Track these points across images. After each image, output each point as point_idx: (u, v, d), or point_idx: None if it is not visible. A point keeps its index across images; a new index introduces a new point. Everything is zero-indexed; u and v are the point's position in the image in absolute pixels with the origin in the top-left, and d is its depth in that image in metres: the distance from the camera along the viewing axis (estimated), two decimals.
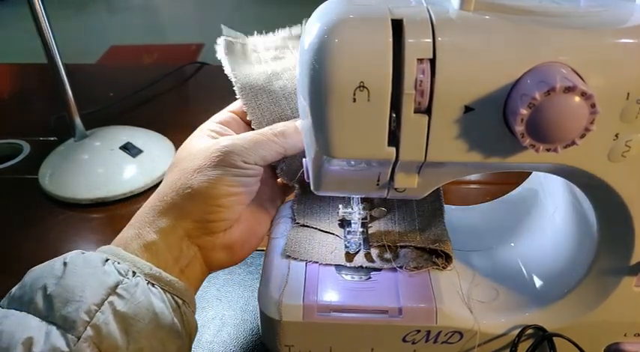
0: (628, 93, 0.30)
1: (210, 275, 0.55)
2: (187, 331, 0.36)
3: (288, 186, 0.46)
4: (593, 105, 0.27)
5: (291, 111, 0.42)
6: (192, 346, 0.48)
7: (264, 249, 0.46)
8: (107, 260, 0.35)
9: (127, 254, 0.36)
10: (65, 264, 0.34)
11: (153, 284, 0.35)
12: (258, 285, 0.43)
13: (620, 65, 0.29)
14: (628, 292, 0.38)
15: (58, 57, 0.68)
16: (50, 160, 0.73)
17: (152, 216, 0.38)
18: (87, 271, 0.33)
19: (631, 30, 0.30)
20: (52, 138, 0.81)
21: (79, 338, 0.31)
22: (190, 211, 0.37)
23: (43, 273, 0.34)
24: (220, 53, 0.42)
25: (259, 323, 0.43)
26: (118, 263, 0.35)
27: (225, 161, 0.37)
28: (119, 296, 0.33)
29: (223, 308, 0.52)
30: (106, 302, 0.32)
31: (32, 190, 0.70)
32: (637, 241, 0.36)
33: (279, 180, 0.46)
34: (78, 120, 0.73)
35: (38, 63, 0.90)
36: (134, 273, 0.35)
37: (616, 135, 0.31)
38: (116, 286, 0.33)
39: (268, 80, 0.42)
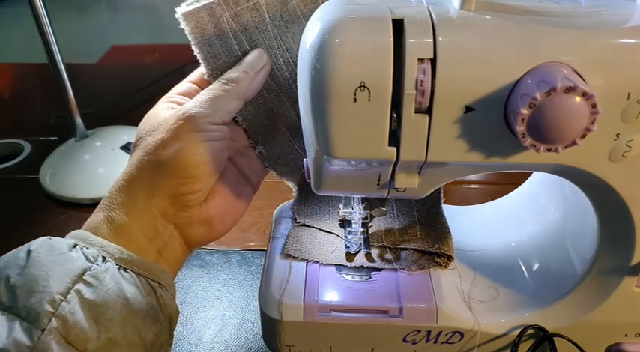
0: (629, 94, 0.30)
1: (211, 275, 0.55)
2: (166, 315, 0.35)
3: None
4: (593, 106, 0.27)
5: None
6: (193, 346, 0.48)
7: (265, 248, 0.46)
8: (75, 245, 0.33)
9: (96, 238, 0.34)
10: (29, 252, 0.32)
11: (125, 269, 0.33)
12: (258, 285, 0.43)
13: (621, 65, 0.29)
14: (628, 292, 0.38)
15: (59, 56, 0.68)
16: (51, 160, 0.73)
17: (121, 197, 0.36)
18: (51, 259, 0.32)
19: (632, 30, 0.30)
20: (53, 138, 0.81)
21: (43, 331, 0.29)
22: (161, 187, 0.35)
23: (7, 263, 0.32)
24: (186, 31, 0.38)
25: (260, 323, 0.43)
26: (87, 248, 0.33)
27: (188, 128, 0.35)
28: (86, 283, 0.31)
29: (224, 308, 0.52)
30: (72, 290, 0.31)
31: (33, 190, 0.70)
32: (637, 241, 0.36)
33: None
34: (79, 120, 0.73)
35: (39, 63, 0.90)
36: (104, 259, 0.33)
37: (617, 136, 0.31)
38: (83, 273, 0.32)
39: (231, 50, 0.38)
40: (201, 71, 0.40)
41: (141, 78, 0.95)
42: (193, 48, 0.38)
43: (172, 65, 1.01)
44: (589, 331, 0.40)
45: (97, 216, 0.36)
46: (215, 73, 0.39)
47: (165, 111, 0.38)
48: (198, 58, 0.39)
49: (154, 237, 0.36)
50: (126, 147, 0.72)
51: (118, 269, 0.33)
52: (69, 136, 0.75)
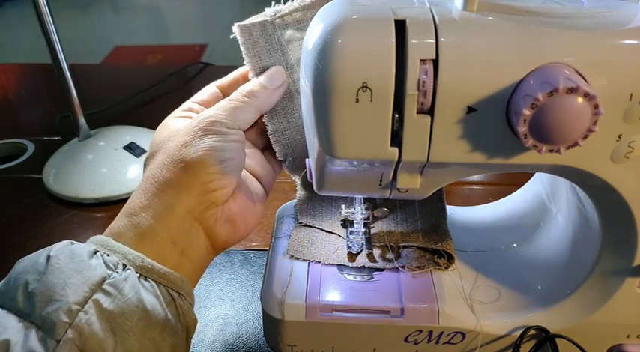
0: (631, 95, 0.30)
1: (213, 274, 0.55)
2: (184, 326, 0.35)
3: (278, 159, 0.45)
4: (596, 106, 0.27)
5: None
6: (195, 345, 0.48)
7: (267, 248, 0.46)
8: (96, 252, 0.33)
9: (117, 244, 0.34)
10: (49, 257, 0.32)
11: (145, 278, 0.33)
12: (260, 285, 0.43)
13: (623, 66, 0.29)
14: (631, 293, 0.38)
15: (63, 57, 0.68)
16: (54, 160, 0.73)
17: (146, 200, 0.36)
18: (71, 266, 0.32)
19: (634, 31, 0.30)
20: (57, 138, 0.81)
21: (58, 342, 0.29)
22: (189, 185, 0.36)
23: (27, 267, 0.32)
24: (239, 41, 0.41)
25: (262, 323, 0.44)
26: (107, 255, 0.33)
27: (210, 131, 0.36)
28: (105, 292, 0.31)
29: (226, 307, 0.52)
30: (90, 300, 0.31)
31: (36, 189, 0.70)
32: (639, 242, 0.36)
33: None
34: (82, 120, 0.73)
35: (43, 63, 0.90)
36: (124, 266, 0.33)
37: (619, 136, 0.31)
38: (102, 281, 0.31)
39: (278, 64, 0.41)
40: (227, 79, 0.43)
41: (144, 78, 0.95)
42: (244, 58, 0.41)
43: (175, 66, 1.01)
44: (591, 332, 0.40)
45: (120, 221, 0.36)
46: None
47: (180, 121, 0.39)
48: (248, 68, 0.41)
49: (178, 238, 0.36)
50: (129, 147, 0.72)
51: (139, 277, 0.33)
52: (72, 136, 0.76)
